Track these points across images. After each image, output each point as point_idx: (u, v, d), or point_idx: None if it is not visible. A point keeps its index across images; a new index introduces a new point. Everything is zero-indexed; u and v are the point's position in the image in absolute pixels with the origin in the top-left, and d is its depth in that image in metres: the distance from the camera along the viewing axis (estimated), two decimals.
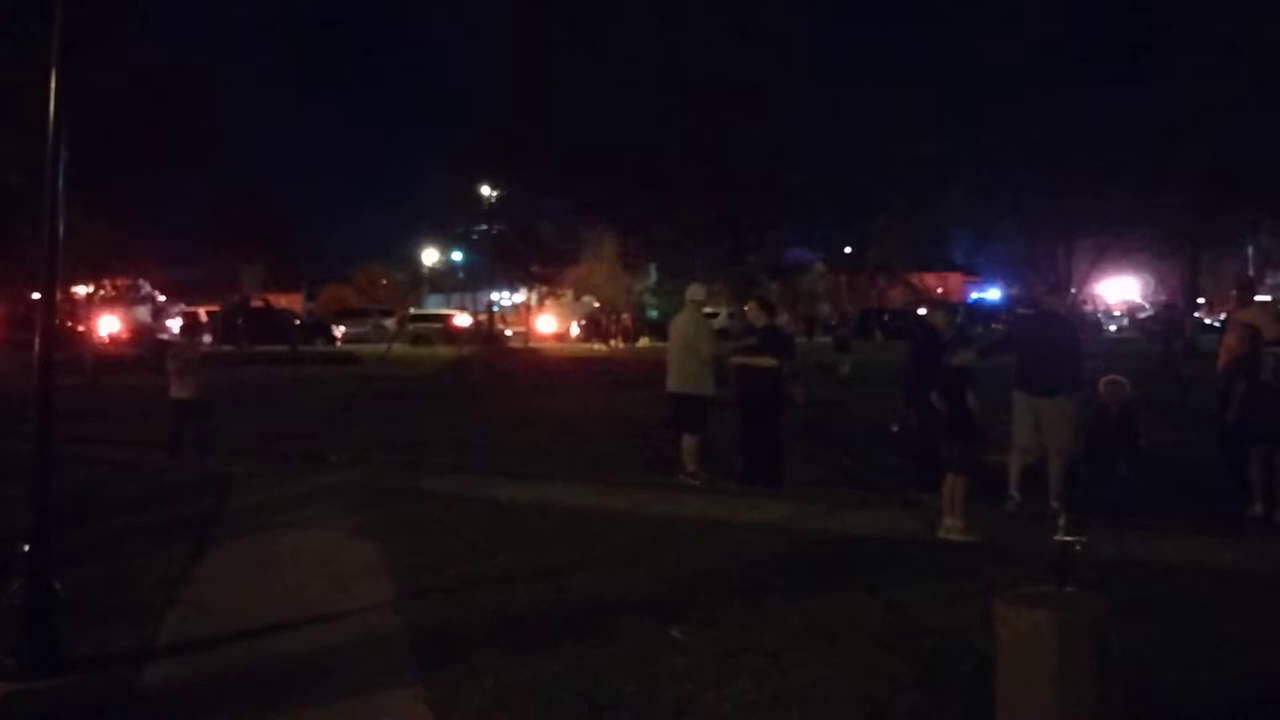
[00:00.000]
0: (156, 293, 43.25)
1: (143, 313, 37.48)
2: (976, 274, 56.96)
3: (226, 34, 32.12)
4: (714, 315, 31.61)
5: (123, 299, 37.41)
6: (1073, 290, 25.37)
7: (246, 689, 5.03)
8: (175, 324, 42.64)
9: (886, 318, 38.07)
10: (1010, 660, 4.33)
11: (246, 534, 8.24)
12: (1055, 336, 8.90)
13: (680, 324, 10.72)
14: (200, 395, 11.61)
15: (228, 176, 39.36)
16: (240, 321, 40.90)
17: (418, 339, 44.99)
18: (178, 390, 11.57)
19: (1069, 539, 4.55)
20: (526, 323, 51.10)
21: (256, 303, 45.18)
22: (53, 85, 5.15)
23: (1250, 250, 33.80)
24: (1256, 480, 8.31)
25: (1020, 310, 30.05)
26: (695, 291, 11.32)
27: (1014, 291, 40.62)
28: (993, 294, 53.23)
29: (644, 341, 44.35)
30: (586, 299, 51.20)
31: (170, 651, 5.49)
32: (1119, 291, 53.94)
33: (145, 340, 34.06)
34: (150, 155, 24.82)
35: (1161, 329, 26.69)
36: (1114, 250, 28.91)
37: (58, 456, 5.43)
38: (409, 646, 5.60)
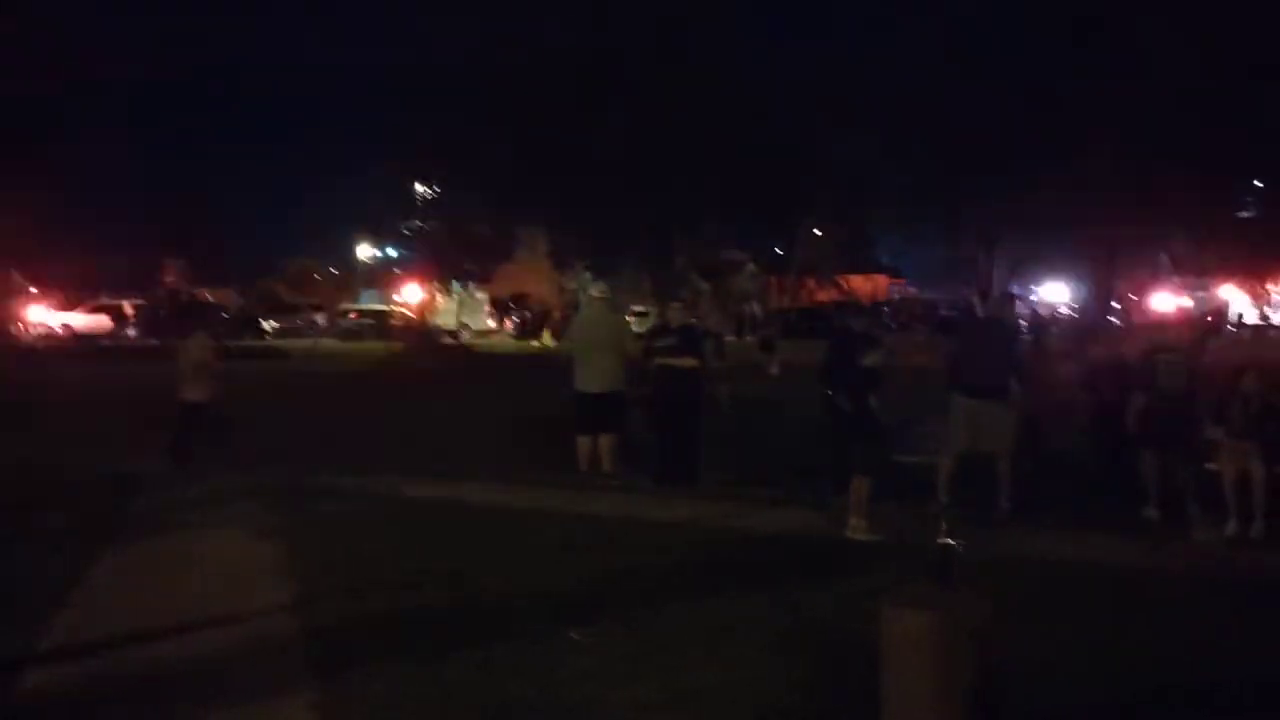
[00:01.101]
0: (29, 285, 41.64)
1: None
2: (902, 276, 57.91)
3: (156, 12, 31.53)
4: (644, 314, 31.72)
5: None
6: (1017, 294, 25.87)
7: (134, 694, 4.93)
8: (76, 318, 41.48)
9: (793, 317, 38.12)
10: (893, 662, 4.40)
11: (147, 535, 8.06)
12: (999, 341, 9.07)
13: (592, 321, 10.69)
14: (213, 398, 11.26)
15: (155, 166, 38.51)
16: (164, 315, 40.05)
17: (349, 334, 44.41)
18: (192, 392, 11.16)
19: (950, 540, 4.63)
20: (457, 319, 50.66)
21: (187, 296, 44.31)
22: None
23: (1164, 258, 34.84)
24: (1151, 482, 8.53)
25: (958, 314, 30.52)
26: (599, 288, 11.33)
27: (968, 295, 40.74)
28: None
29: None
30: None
31: (54, 656, 5.36)
32: (1049, 296, 55.11)
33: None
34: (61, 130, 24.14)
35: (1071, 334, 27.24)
36: (1035, 256, 29.59)
37: None
38: (305, 651, 5.53)
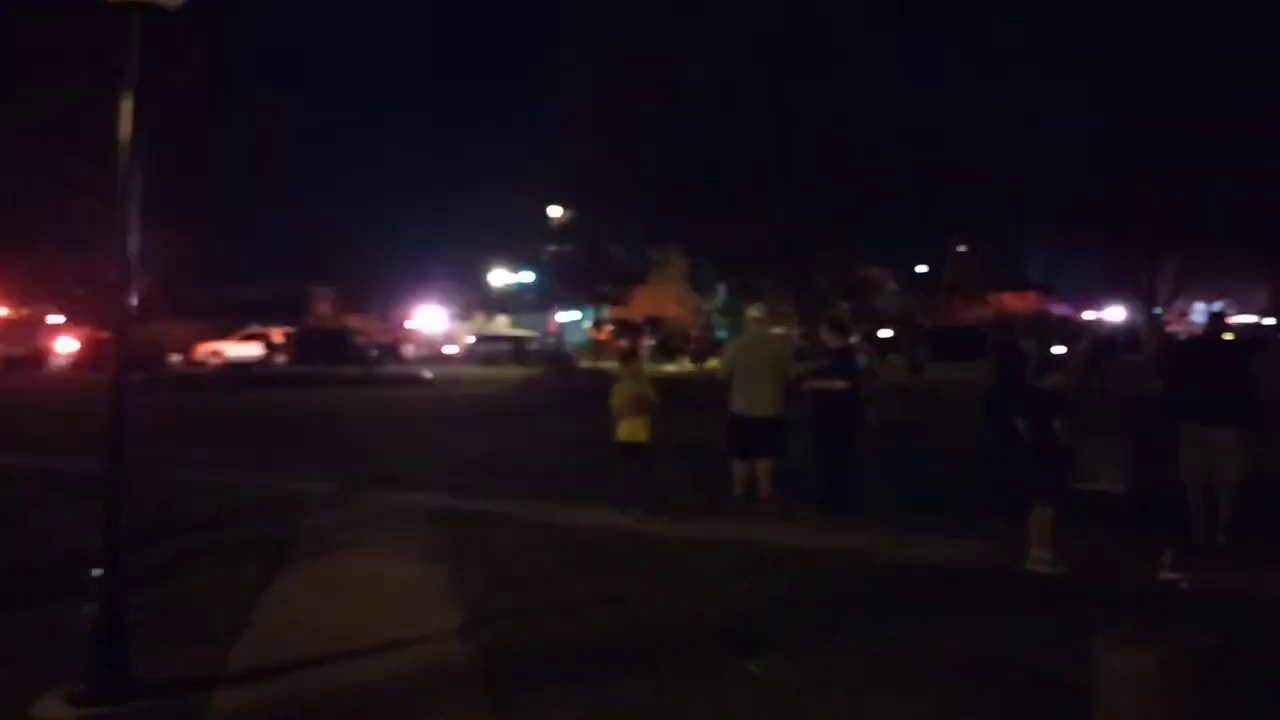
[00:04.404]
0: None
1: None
2: (1054, 293, 55.72)
3: (292, 57, 33.14)
4: (785, 335, 31.34)
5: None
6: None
7: (316, 718, 4.96)
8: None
9: (937, 337, 36.06)
10: (1111, 702, 4.09)
11: (318, 556, 8.21)
12: (1230, 366, 8.55)
13: (753, 344, 10.48)
14: None
15: (296, 198, 40.11)
16: (315, 342, 41.68)
17: (487, 359, 45.34)
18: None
19: (1173, 576, 4.30)
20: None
21: (335, 324, 46.02)
22: (128, 108, 5.15)
23: None
24: None
25: (1185, 337, 29.14)
26: (758, 309, 11.14)
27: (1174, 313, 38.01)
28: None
29: (712, 362, 44.05)
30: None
31: (240, 678, 5.44)
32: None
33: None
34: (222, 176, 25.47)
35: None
36: (1200, 269, 28.11)
37: (129, 477, 5.39)
38: (478, 677, 5.48)
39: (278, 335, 45.49)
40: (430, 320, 55.24)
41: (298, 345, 43.92)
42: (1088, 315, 49.46)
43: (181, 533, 8.77)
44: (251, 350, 43.93)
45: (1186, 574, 4.44)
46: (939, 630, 6.10)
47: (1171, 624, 4.19)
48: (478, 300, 61.34)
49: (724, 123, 23.61)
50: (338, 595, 7.09)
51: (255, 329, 45.66)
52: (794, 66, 23.14)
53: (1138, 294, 27.60)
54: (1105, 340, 30.05)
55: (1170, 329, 29.76)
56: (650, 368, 37.21)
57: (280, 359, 43.62)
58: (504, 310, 60.55)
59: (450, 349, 49.44)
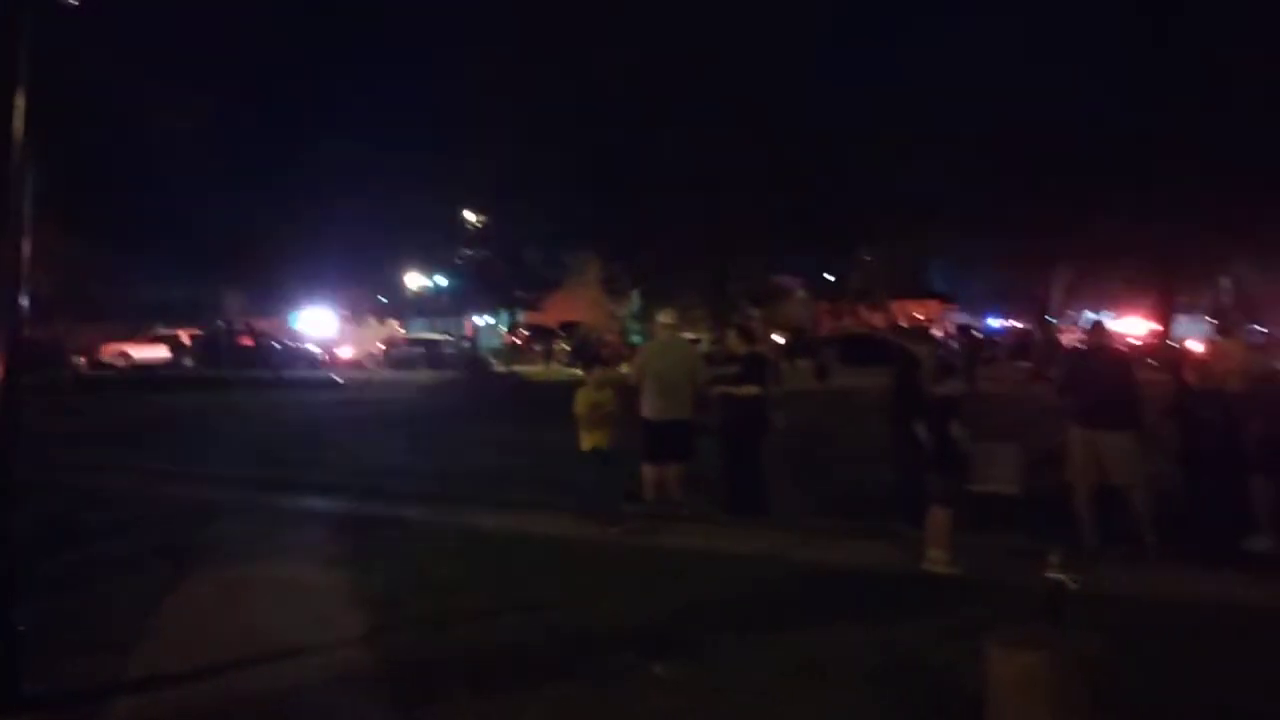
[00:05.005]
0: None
1: None
2: (956, 302, 57.20)
3: (200, 47, 32.14)
4: (696, 341, 31.60)
5: None
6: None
7: None
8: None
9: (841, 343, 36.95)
10: (1000, 702, 4.25)
11: (221, 563, 8.06)
12: (1117, 373, 8.86)
13: (667, 349, 10.56)
14: None
15: (204, 199, 39.18)
16: (223, 345, 40.65)
17: (401, 363, 44.75)
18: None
19: (1060, 577, 4.48)
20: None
21: (243, 326, 44.96)
22: (18, 103, 5.06)
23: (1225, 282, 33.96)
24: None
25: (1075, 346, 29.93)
26: (667, 315, 11.25)
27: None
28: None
29: (625, 367, 44.11)
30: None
31: (139, 688, 5.33)
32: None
33: None
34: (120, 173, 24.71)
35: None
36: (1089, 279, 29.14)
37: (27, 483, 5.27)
38: (387, 683, 5.46)
39: (185, 337, 44.30)
40: (317, 323, 53.96)
41: (205, 347, 42.82)
42: (961, 321, 50.69)
43: (83, 541, 8.55)
44: (159, 352, 42.70)
45: (1073, 575, 4.61)
46: (843, 632, 6.26)
47: (1058, 625, 4.36)
48: (395, 304, 60.54)
49: (639, 128, 23.75)
50: (242, 602, 6.98)
51: (163, 331, 44.40)
52: (711, 71, 23.38)
53: (1033, 302, 28.58)
54: (976, 345, 30.87)
55: (1063, 337, 30.83)
56: (559, 369, 37.18)
57: (187, 361, 42.48)
58: (420, 314, 59.85)
59: (362, 353, 48.64)
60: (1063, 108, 24.04)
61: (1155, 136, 23.04)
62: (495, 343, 52.96)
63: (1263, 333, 11.49)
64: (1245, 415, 8.47)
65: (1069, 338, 29.47)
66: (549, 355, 45.71)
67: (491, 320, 57.90)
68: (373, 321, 57.92)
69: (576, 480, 9.92)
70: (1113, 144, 23.56)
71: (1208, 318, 29.21)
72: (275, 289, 53.77)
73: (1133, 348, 23.61)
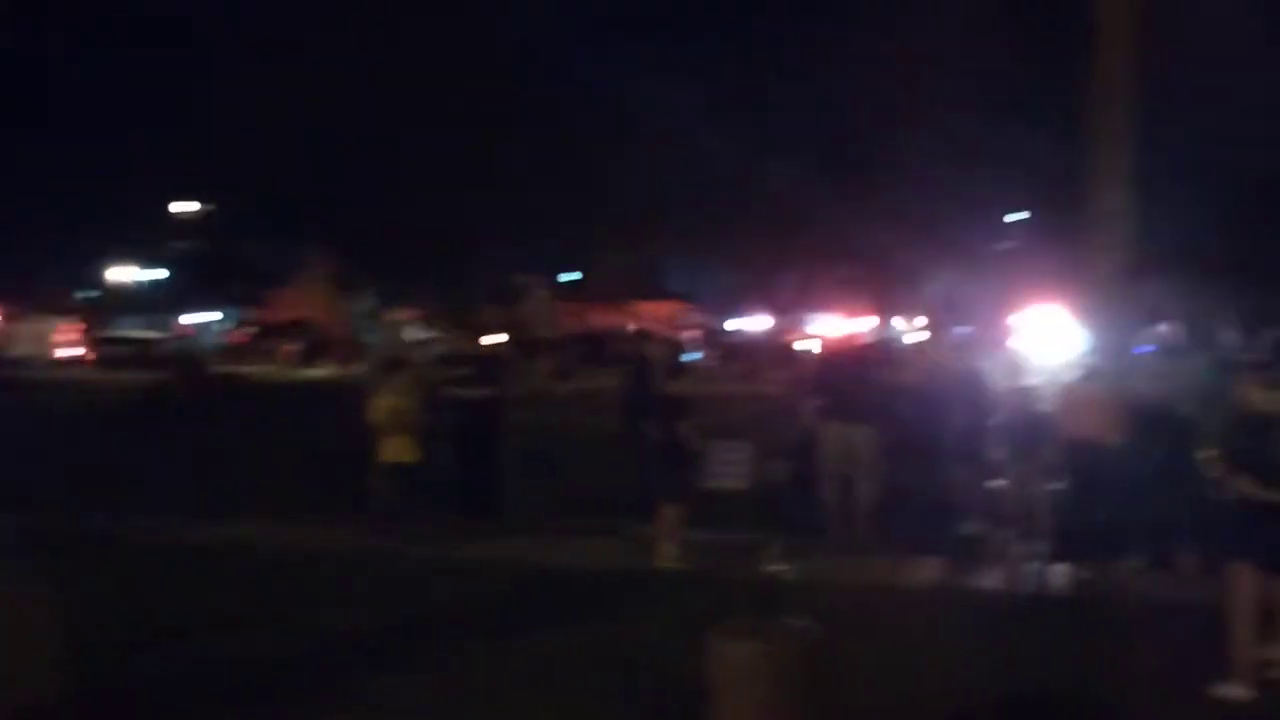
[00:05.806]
0: None
1: None
2: (694, 302, 59.02)
3: None
4: (434, 341, 31.02)
5: None
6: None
7: None
8: None
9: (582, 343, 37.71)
10: (722, 694, 4.33)
11: None
12: (861, 372, 9.26)
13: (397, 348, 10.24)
14: None
15: None
16: None
17: (109, 363, 41.21)
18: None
19: (778, 568, 4.61)
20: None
21: None
22: None
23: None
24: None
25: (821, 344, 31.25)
26: (394, 314, 10.93)
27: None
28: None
29: (358, 367, 42.71)
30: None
31: None
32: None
33: None
34: None
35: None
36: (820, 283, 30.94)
37: None
38: (72, 713, 4.93)
39: None
40: None
41: None
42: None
43: None
44: None
45: (792, 566, 4.76)
46: (574, 631, 6.27)
47: (777, 615, 4.49)
48: (104, 301, 55.74)
49: (369, 123, 23.06)
50: None
51: None
52: (444, 68, 23.01)
53: (766, 305, 30.08)
54: (676, 347, 32.14)
55: (792, 338, 32.56)
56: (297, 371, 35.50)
57: None
58: (134, 310, 55.44)
59: (36, 352, 43.99)
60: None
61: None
62: (216, 341, 49.92)
63: (967, 332, 12.54)
64: (945, 409, 9.12)
65: (798, 338, 31.16)
66: (277, 355, 43.60)
67: (217, 317, 54.59)
68: (52, 319, 52.64)
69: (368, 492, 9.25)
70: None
71: (919, 318, 31.65)
72: None
73: (865, 346, 25.11)
